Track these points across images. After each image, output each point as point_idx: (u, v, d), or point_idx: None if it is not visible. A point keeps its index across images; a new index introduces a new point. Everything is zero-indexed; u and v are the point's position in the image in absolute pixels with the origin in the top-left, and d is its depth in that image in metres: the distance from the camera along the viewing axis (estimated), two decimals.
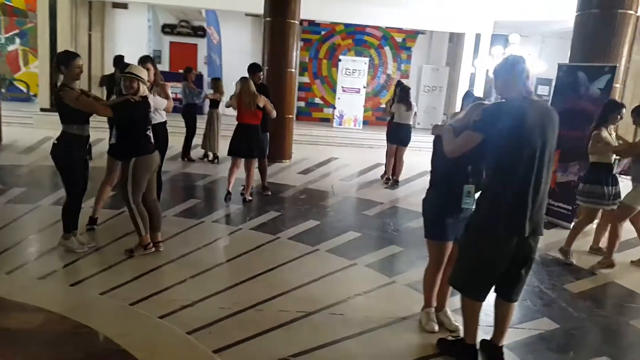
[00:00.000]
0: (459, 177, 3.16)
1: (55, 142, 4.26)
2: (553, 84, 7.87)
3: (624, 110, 5.05)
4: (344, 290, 4.06)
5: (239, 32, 15.72)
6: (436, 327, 3.45)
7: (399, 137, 8.31)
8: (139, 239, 4.44)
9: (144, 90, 4.39)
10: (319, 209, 6.69)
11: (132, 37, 15.31)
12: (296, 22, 9.91)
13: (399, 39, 16.44)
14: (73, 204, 4.38)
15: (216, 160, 9.53)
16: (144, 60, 5.40)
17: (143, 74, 4.43)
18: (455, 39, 15.82)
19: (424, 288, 3.53)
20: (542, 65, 12.23)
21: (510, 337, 3.28)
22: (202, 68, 16.02)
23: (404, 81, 16.39)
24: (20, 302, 3.46)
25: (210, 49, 15.26)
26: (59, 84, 4.23)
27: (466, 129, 2.95)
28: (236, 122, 6.59)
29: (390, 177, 8.53)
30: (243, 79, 6.59)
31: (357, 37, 16.26)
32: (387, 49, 16.54)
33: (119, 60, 8.04)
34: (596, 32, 6.67)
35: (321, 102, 16.63)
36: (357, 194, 7.78)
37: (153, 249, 4.49)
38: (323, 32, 16.16)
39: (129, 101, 4.26)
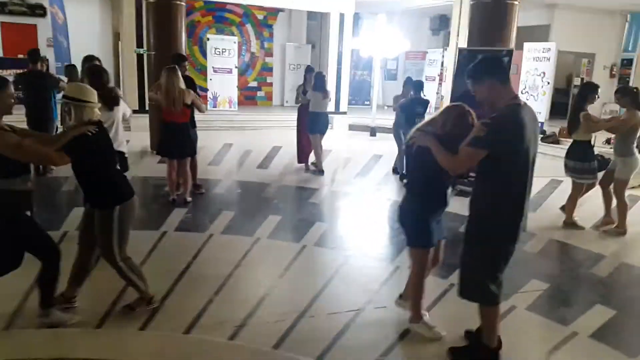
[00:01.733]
0: (442, 181, 3.23)
1: None
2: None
3: (599, 91, 5.76)
4: (369, 288, 4.23)
5: (85, 11, 14.13)
6: (443, 332, 3.40)
7: (318, 126, 8.17)
8: (140, 293, 3.58)
9: (95, 113, 3.31)
10: (267, 202, 6.65)
11: None
12: (182, 3, 9.34)
13: (260, 16, 16.32)
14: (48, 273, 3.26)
15: None
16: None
17: (88, 94, 3.29)
18: (319, 18, 16.24)
19: (414, 299, 3.44)
20: (407, 43, 13.29)
21: (520, 303, 3.81)
22: (45, 51, 14.07)
23: (270, 60, 16.73)
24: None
25: (56, 30, 13.48)
26: None
27: (463, 144, 2.82)
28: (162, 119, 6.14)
29: (310, 164, 8.57)
30: (170, 69, 6.04)
31: (217, 14, 15.74)
32: (248, 26, 16.33)
33: (33, 55, 7.04)
34: (490, 20, 7.56)
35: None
36: (289, 182, 7.83)
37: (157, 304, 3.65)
38: None
39: (85, 136, 3.13)
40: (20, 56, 13.60)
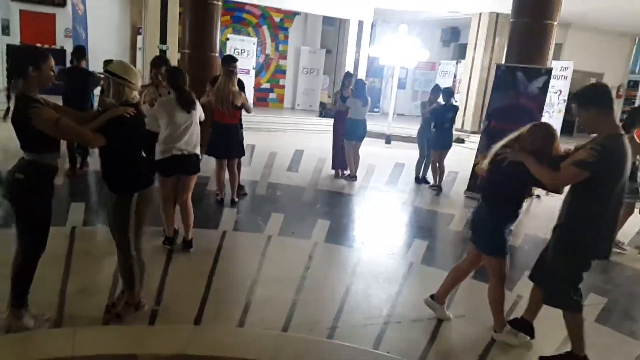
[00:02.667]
0: (521, 193, 3.43)
1: (21, 176, 2.97)
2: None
3: None
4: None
5: (104, 3, 14.08)
6: (527, 337, 3.55)
7: (356, 133, 8.26)
8: (128, 295, 3.39)
9: (134, 96, 3.25)
10: (310, 205, 6.75)
11: None
12: (219, 3, 9.39)
13: (277, 18, 16.42)
14: (28, 267, 3.10)
15: None
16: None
17: (132, 74, 3.21)
18: (337, 23, 16.39)
19: (496, 309, 3.56)
20: (426, 53, 13.50)
21: (588, 317, 3.96)
22: (63, 42, 14.04)
23: (283, 62, 16.82)
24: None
25: (75, 21, 13.42)
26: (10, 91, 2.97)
27: (568, 165, 2.99)
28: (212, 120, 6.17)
29: (344, 172, 8.66)
30: (228, 72, 6.11)
31: (236, 14, 15.80)
32: (264, 28, 16.41)
33: (79, 52, 7.03)
34: (529, 38, 7.77)
35: None
36: (325, 187, 7.94)
37: (145, 307, 3.50)
38: None
39: (123, 117, 3.06)
40: (39, 45, 13.53)
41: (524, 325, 3.59)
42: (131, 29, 14.59)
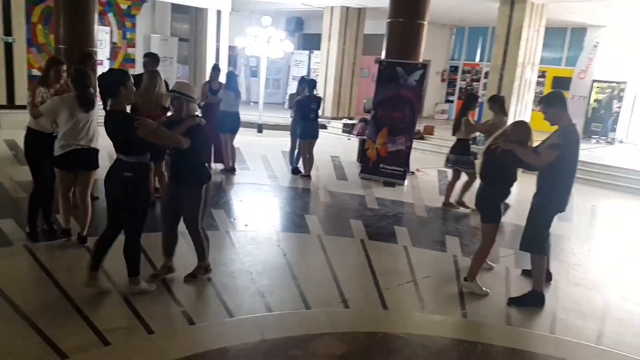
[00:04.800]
0: (513, 174, 4.48)
1: (129, 174, 3.70)
2: None
3: (479, 101, 7.32)
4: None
5: None
6: (487, 290, 4.50)
7: (229, 125, 8.32)
8: (202, 262, 4.29)
9: (195, 108, 4.08)
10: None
11: None
12: None
13: (124, 5, 15.50)
14: (139, 244, 3.96)
15: None
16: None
17: (195, 92, 4.09)
18: (192, 12, 16.09)
19: (477, 263, 4.50)
20: (290, 45, 14.15)
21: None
22: None
23: (132, 50, 15.95)
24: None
25: None
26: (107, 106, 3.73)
27: (542, 149, 4.17)
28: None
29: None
30: (152, 72, 6.09)
31: None
32: (110, 15, 15.40)
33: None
34: (404, 37, 8.94)
35: (40, 73, 14.35)
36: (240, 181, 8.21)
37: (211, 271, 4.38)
38: None
39: (200, 126, 3.94)
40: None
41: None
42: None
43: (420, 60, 9.19)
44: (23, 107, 9.53)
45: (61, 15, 8.56)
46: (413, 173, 9.55)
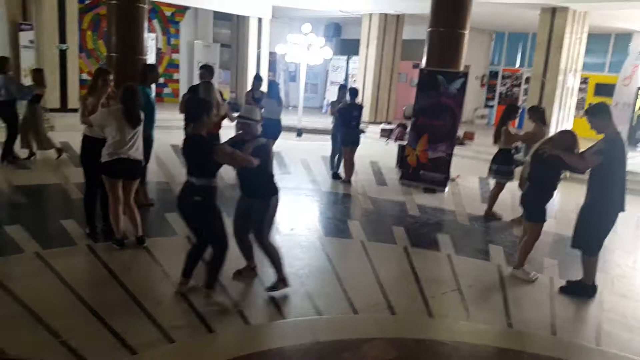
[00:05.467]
0: (557, 177, 4.93)
1: (199, 198, 3.90)
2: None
3: (519, 111, 7.39)
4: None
5: None
6: (537, 275, 5.07)
7: (271, 131, 8.16)
8: (280, 274, 4.30)
9: (258, 129, 4.23)
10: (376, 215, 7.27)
11: None
12: (145, 6, 9.21)
13: (168, 12, 16.06)
14: (223, 257, 4.07)
15: (33, 157, 8.59)
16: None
17: (256, 114, 4.24)
18: (234, 19, 16.49)
19: (522, 254, 5.05)
20: (329, 51, 14.37)
21: None
22: None
23: (176, 56, 16.49)
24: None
25: None
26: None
27: (588, 155, 4.57)
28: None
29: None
30: (208, 84, 6.41)
31: None
32: (155, 22, 15.95)
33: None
34: (444, 46, 9.01)
35: (89, 77, 14.96)
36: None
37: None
38: (87, 1, 14.43)
39: (265, 145, 4.16)
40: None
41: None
42: (10, 25, 13.23)
43: (461, 68, 9.22)
44: (75, 110, 10.05)
45: (113, 23, 8.92)
46: (453, 180, 9.58)
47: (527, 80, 15.77)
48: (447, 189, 8.86)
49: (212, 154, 3.78)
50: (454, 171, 9.45)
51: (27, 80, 10.84)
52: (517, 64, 17.90)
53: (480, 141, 13.19)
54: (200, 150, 3.86)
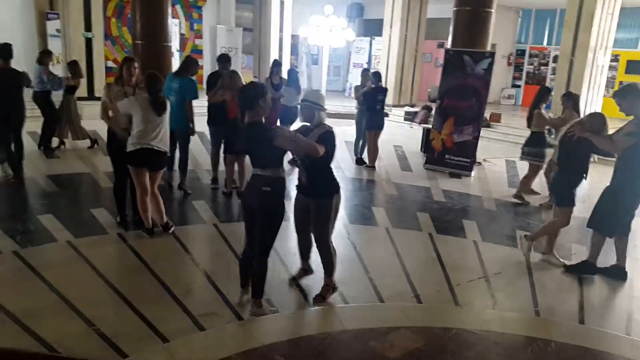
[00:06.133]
0: (586, 161, 4.90)
1: (268, 189, 3.57)
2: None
3: (552, 94, 7.27)
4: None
5: None
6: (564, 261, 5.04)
7: (289, 117, 8.66)
8: (329, 281, 4.05)
9: (324, 117, 3.88)
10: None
11: None
12: None
13: None
14: (266, 262, 3.77)
15: (63, 146, 8.79)
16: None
17: (322, 100, 3.91)
18: (257, 2, 16.43)
19: (543, 231, 5.17)
20: (352, 33, 14.23)
21: None
22: None
23: (199, 42, 16.53)
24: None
25: None
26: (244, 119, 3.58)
27: (618, 137, 4.51)
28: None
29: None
30: (234, 72, 6.47)
31: None
32: (178, 7, 15.99)
33: (5, 51, 6.56)
34: (471, 25, 8.83)
35: (115, 65, 15.15)
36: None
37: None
38: None
39: (331, 133, 3.77)
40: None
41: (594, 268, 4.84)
42: (37, 15, 13.45)
43: (488, 48, 9.05)
44: (101, 98, 10.17)
45: (137, 11, 9.00)
46: (480, 164, 9.48)
47: (555, 58, 15.35)
48: (473, 174, 8.77)
49: (272, 140, 3.47)
50: (480, 155, 9.36)
51: (55, 69, 11.05)
52: (545, 42, 17.44)
53: (507, 122, 12.98)
54: (259, 137, 3.53)
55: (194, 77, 6.71)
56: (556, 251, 5.14)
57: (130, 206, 5.47)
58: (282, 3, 15.46)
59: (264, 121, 3.68)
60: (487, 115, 13.46)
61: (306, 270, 4.37)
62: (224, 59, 7.07)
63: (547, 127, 7.17)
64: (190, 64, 6.67)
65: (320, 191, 3.91)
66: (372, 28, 18.53)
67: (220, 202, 6.55)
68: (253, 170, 3.66)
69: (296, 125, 8.75)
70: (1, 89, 6.46)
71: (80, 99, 11.75)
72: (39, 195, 6.44)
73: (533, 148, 7.14)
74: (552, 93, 7.81)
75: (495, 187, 8.04)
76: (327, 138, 3.73)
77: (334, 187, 3.94)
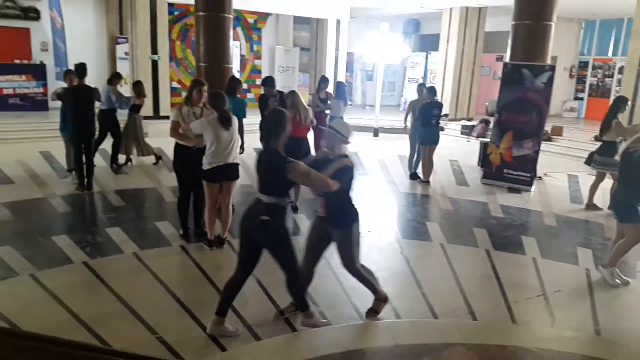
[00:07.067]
0: None
1: (266, 218, 3.53)
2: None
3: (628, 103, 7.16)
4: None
5: (79, 14, 13.80)
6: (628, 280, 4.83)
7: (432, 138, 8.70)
8: (377, 295, 4.06)
9: (345, 149, 3.82)
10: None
11: None
12: (230, 15, 9.66)
13: (250, 20, 16.64)
14: (297, 279, 3.78)
15: (130, 162, 9.23)
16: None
17: (347, 131, 3.85)
18: (313, 22, 16.81)
19: (617, 255, 4.79)
20: (408, 49, 14.26)
21: None
22: (39, 56, 13.65)
23: (258, 62, 17.08)
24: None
25: (54, 34, 13.15)
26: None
27: None
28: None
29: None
30: (294, 93, 6.68)
31: None
32: (238, 29, 16.58)
33: (81, 70, 7.13)
34: (530, 39, 8.66)
35: (179, 85, 15.89)
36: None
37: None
38: (176, 12, 15.29)
39: (349, 167, 3.69)
40: (17, 61, 13.16)
41: None
42: (108, 39, 14.36)
43: (548, 61, 8.83)
44: (167, 117, 10.70)
45: (200, 34, 9.42)
46: (540, 178, 9.23)
47: (621, 69, 14.72)
48: (533, 189, 8.53)
49: (286, 172, 3.45)
50: (540, 169, 9.11)
51: (123, 90, 11.74)
52: (610, 53, 16.75)
53: (569, 136, 12.55)
54: (273, 166, 3.52)
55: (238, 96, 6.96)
56: (618, 268, 4.90)
57: (192, 219, 5.73)
58: (338, 23, 15.71)
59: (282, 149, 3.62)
60: (548, 128, 13.11)
61: (297, 307, 4.00)
62: (269, 82, 7.36)
63: (621, 137, 6.92)
64: (236, 84, 7.00)
65: (340, 220, 3.86)
66: (428, 43, 18.47)
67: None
68: (257, 194, 3.65)
69: (355, 138, 9.00)
70: (77, 103, 7.13)
71: (146, 117, 12.44)
72: (107, 209, 6.85)
73: (608, 158, 6.90)
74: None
75: (557, 203, 7.79)
76: (344, 174, 3.66)
77: (352, 215, 3.88)
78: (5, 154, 9.12)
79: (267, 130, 3.60)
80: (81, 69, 7.21)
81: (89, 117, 7.28)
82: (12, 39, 13.29)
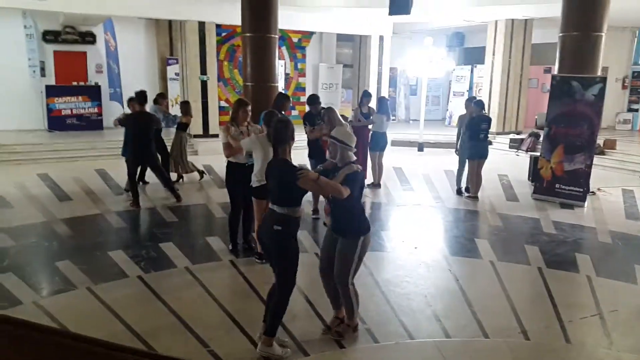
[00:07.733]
0: None
1: (279, 228, 3.58)
2: None
3: None
4: None
5: (133, 37, 14.45)
6: None
7: (380, 144, 9.15)
8: (350, 320, 3.97)
9: (350, 157, 3.78)
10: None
11: (6, 48, 12.94)
12: (276, 36, 9.89)
13: (295, 39, 16.96)
14: (286, 302, 3.68)
15: (181, 179, 9.45)
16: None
17: (353, 141, 3.81)
18: (357, 39, 16.98)
19: None
20: (452, 63, 14.17)
21: None
22: (94, 77, 14.35)
23: (302, 80, 17.37)
24: None
25: (108, 57, 13.84)
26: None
27: None
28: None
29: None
30: (330, 109, 6.76)
31: None
32: (283, 48, 16.91)
33: (142, 96, 7.47)
34: (579, 51, 8.46)
35: (227, 104, 16.30)
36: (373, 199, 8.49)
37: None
38: (223, 34, 15.76)
39: (357, 173, 3.69)
40: (74, 83, 13.85)
41: None
42: (159, 60, 14.95)
43: (599, 72, 8.59)
44: (215, 135, 10.98)
45: (247, 55, 9.68)
46: (594, 193, 8.93)
47: None
48: (586, 204, 8.26)
49: (296, 180, 3.47)
50: (594, 184, 8.82)
51: (174, 110, 12.18)
52: None
53: (623, 149, 12.08)
54: (283, 175, 3.58)
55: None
56: None
57: (241, 235, 5.87)
58: (381, 39, 15.78)
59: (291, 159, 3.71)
60: (600, 141, 12.66)
61: (342, 320, 4.02)
62: (313, 100, 7.47)
63: None
64: (284, 100, 7.04)
65: (345, 229, 3.80)
66: (474, 56, 18.27)
67: (321, 231, 6.76)
68: (270, 206, 3.69)
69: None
70: (137, 129, 7.43)
71: (196, 136, 12.86)
72: (160, 224, 7.08)
73: None
74: None
75: (611, 218, 7.50)
76: (353, 180, 3.63)
77: (362, 228, 3.80)
78: (63, 172, 9.60)
79: (274, 140, 3.69)
80: (141, 96, 7.59)
81: (147, 142, 7.59)
82: (71, 63, 14.05)
